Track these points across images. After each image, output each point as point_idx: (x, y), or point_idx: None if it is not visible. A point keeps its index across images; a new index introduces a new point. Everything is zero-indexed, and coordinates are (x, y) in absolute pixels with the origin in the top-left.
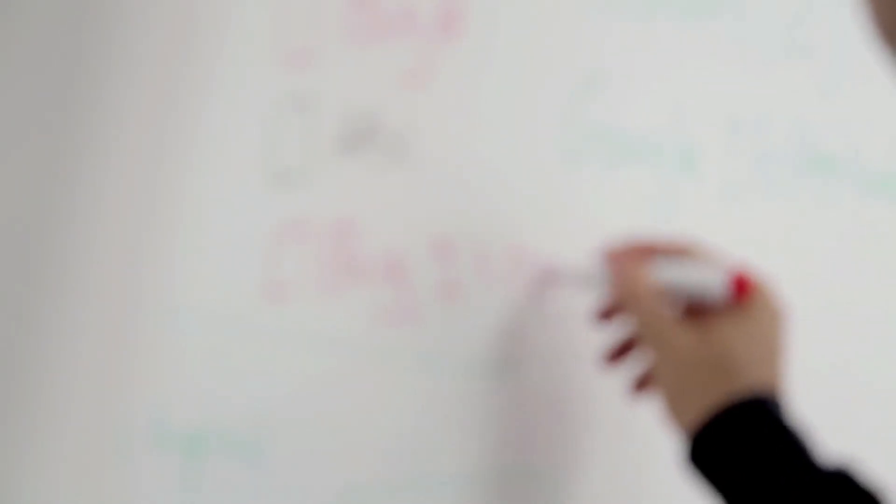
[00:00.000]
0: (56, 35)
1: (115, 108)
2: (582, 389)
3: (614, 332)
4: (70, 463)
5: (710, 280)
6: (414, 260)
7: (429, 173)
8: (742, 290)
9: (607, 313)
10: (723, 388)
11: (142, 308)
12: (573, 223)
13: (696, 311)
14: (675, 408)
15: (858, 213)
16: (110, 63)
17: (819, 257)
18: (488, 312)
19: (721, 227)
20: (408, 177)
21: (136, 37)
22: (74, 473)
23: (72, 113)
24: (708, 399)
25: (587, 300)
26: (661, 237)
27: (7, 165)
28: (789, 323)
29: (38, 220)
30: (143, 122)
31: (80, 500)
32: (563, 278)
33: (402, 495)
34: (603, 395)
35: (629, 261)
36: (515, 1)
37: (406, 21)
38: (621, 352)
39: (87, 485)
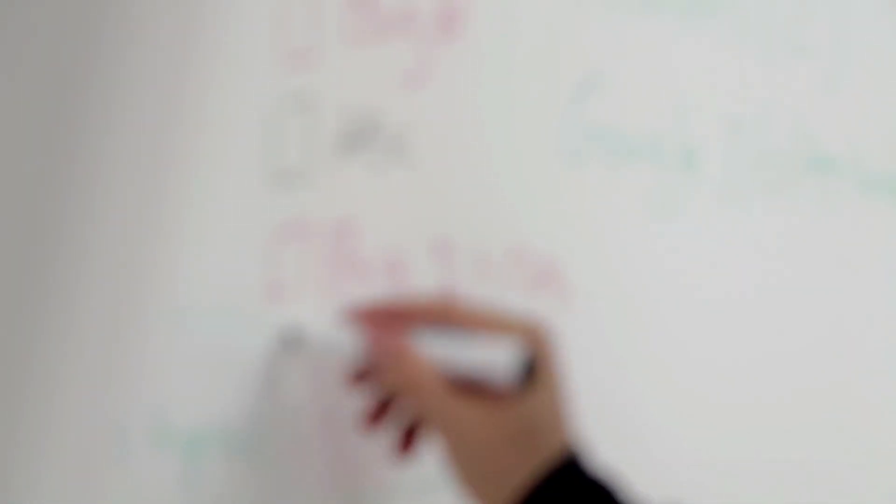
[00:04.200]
0: (56, 36)
1: (116, 109)
2: (583, 389)
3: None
4: (70, 463)
5: (495, 362)
6: (414, 260)
7: (429, 173)
8: (530, 369)
9: (361, 376)
10: (529, 461)
11: (142, 308)
12: (573, 223)
13: (476, 384)
14: (480, 490)
15: (859, 213)
16: (110, 63)
17: (819, 257)
18: None
19: (721, 226)
20: (408, 177)
21: (136, 37)
22: (74, 473)
23: (72, 113)
24: (516, 476)
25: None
26: (421, 302)
27: (7, 163)
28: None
29: (37, 219)
30: (144, 122)
31: (80, 500)
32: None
33: (403, 496)
34: (604, 395)
35: (391, 334)
36: (515, 1)
37: (406, 21)
38: (380, 413)
39: (87, 485)
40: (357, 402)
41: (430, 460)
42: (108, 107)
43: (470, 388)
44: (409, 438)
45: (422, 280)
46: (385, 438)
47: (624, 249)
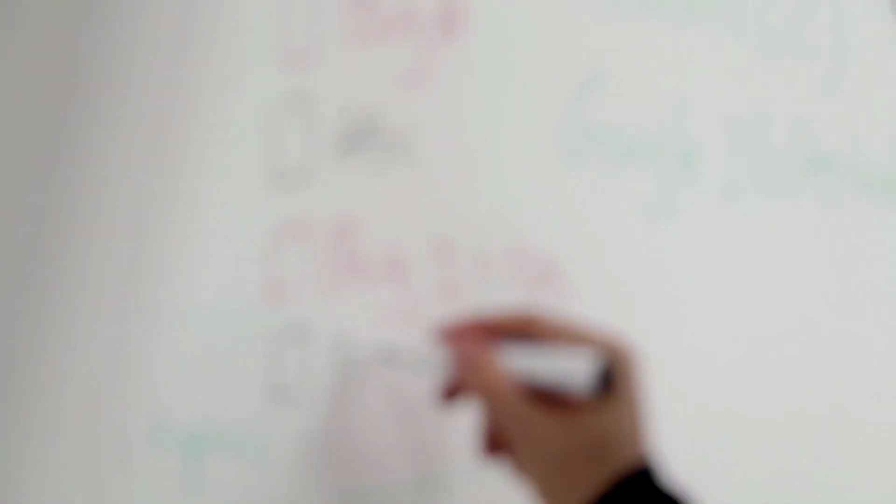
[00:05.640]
0: (56, 35)
1: (116, 109)
2: None
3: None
4: (70, 463)
5: (572, 372)
6: (414, 260)
7: (429, 173)
8: (609, 382)
9: (451, 393)
10: (602, 472)
11: (142, 308)
12: (573, 223)
13: (555, 395)
14: (552, 498)
15: (859, 213)
16: (110, 63)
17: (819, 257)
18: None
19: (721, 226)
20: (408, 176)
21: (135, 37)
22: (74, 473)
23: (72, 113)
24: (588, 487)
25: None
26: (505, 315)
27: (6, 164)
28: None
29: (37, 220)
30: (144, 122)
31: (81, 500)
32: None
33: (403, 496)
34: None
35: (474, 346)
36: (515, 1)
37: (406, 21)
38: (496, 442)
39: (87, 485)
40: (356, 402)
41: (430, 460)
42: (107, 107)
43: (549, 398)
44: (494, 444)
45: (422, 280)
46: (385, 437)
47: (624, 249)
